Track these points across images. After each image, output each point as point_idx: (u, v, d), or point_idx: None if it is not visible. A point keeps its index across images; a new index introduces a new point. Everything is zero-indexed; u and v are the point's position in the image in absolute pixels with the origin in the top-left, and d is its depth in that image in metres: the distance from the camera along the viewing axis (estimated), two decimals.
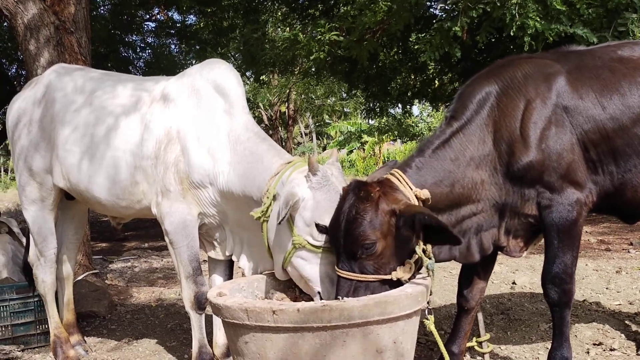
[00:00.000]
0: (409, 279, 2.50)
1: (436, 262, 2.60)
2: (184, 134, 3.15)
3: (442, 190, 2.69)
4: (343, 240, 2.48)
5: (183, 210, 3.16)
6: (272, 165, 2.89)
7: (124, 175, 3.29)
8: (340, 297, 2.45)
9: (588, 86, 2.78)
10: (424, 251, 2.50)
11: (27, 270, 4.05)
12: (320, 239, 2.62)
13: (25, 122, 3.71)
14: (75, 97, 3.56)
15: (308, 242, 2.63)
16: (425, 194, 2.59)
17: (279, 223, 2.61)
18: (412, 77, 11.31)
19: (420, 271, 2.62)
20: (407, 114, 15.10)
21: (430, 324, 2.51)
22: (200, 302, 3.19)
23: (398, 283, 2.49)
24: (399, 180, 2.63)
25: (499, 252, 3.00)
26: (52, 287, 3.85)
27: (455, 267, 4.80)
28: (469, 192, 2.75)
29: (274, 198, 2.74)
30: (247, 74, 13.21)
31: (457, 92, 3.00)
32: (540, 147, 2.71)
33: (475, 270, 3.14)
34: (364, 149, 28.75)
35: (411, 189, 2.59)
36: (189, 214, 3.17)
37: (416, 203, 2.57)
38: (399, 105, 12.94)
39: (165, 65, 12.85)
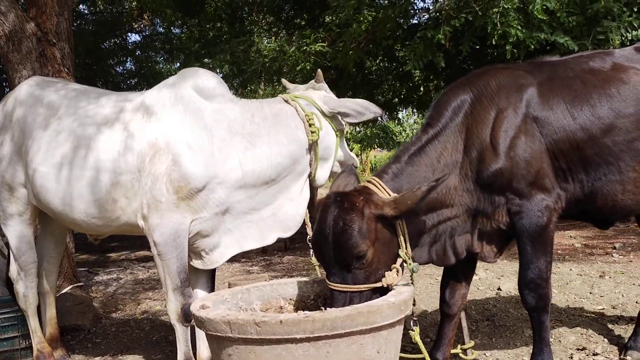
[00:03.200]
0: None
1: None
2: (174, 143, 3.12)
3: None
4: (333, 253, 2.49)
5: (175, 220, 3.12)
6: (289, 112, 3.29)
7: (99, 194, 3.21)
8: None
9: (559, 97, 2.85)
10: (406, 254, 2.56)
11: (10, 284, 4.00)
12: (344, 123, 3.45)
13: None
14: (44, 113, 3.46)
15: (342, 130, 3.44)
16: (393, 198, 2.61)
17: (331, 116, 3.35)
18: (398, 84, 11.40)
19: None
20: (397, 121, 15.20)
21: (416, 335, 2.53)
22: (187, 315, 3.16)
23: (386, 290, 2.52)
24: (377, 187, 2.66)
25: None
26: (33, 301, 3.80)
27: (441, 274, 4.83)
28: (442, 197, 2.80)
29: (313, 118, 3.25)
30: (234, 84, 13.22)
31: (434, 100, 3.07)
32: (509, 155, 2.76)
33: (456, 276, 3.18)
34: None
35: (389, 195, 2.62)
36: (181, 223, 3.13)
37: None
38: (386, 112, 13.02)
39: (149, 75, 12.81)
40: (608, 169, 2.82)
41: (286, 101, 3.35)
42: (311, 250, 2.83)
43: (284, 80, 3.72)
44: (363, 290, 2.50)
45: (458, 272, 3.16)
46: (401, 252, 2.57)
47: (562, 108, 2.83)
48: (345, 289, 2.49)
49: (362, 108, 3.34)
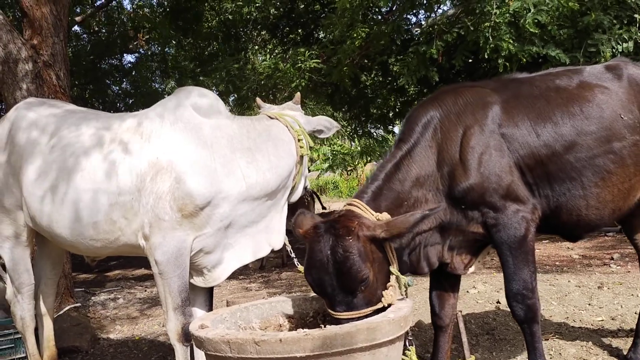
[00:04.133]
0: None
1: None
2: (177, 161, 3.12)
3: (394, 212, 2.74)
4: (337, 282, 2.48)
5: (179, 238, 3.11)
6: (281, 128, 3.39)
7: (97, 216, 3.19)
8: None
9: (523, 114, 2.93)
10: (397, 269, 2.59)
11: (7, 306, 3.97)
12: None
13: None
14: (39, 136, 3.45)
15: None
16: (385, 216, 2.65)
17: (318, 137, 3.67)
18: (393, 98, 11.47)
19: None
20: (392, 134, 15.27)
21: (412, 355, 2.53)
22: (188, 334, 3.13)
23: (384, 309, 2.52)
24: (360, 209, 2.68)
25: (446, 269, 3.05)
26: (30, 323, 3.77)
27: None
28: (415, 211, 2.80)
29: (301, 134, 3.40)
30: (230, 102, 13.29)
31: (405, 116, 3.13)
32: (479, 170, 2.82)
33: (444, 288, 3.22)
34: (347, 172, 28.81)
35: (372, 215, 2.65)
36: (184, 241, 3.12)
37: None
38: (381, 126, 13.10)
39: (145, 94, 12.86)
40: (572, 185, 2.89)
41: (272, 118, 3.45)
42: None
43: (258, 100, 3.81)
44: (369, 314, 2.49)
45: (445, 283, 3.20)
46: (392, 269, 2.59)
47: (526, 125, 2.90)
48: (354, 316, 2.48)
49: (329, 123, 3.67)
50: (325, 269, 2.48)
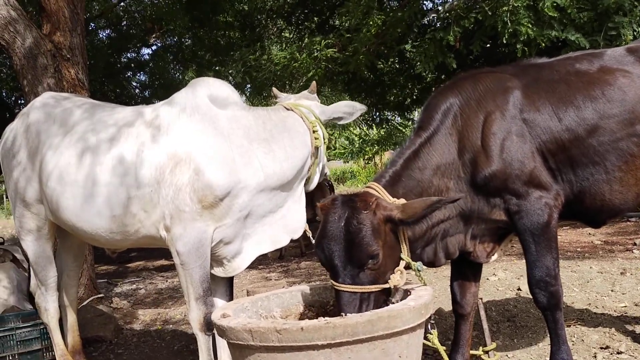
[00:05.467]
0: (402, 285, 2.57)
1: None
2: (196, 152, 3.14)
3: (412, 199, 2.73)
4: (345, 252, 2.49)
5: (199, 228, 3.14)
6: (296, 119, 3.37)
7: (117, 209, 3.22)
8: (344, 313, 2.46)
9: (545, 99, 2.88)
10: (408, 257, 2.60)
11: (32, 297, 4.06)
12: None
13: (14, 153, 3.66)
14: (57, 130, 3.49)
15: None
16: (402, 203, 2.64)
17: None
18: (410, 85, 11.38)
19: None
20: (411, 121, 15.19)
21: (434, 338, 2.53)
22: (210, 324, 3.17)
23: (389, 291, 2.55)
24: (378, 192, 2.68)
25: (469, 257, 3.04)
26: (55, 315, 3.84)
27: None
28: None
29: (316, 125, 3.38)
30: (247, 92, 13.30)
31: (424, 104, 3.10)
32: (501, 157, 2.79)
33: (465, 276, 3.20)
34: (364, 160, 28.76)
35: (389, 199, 2.65)
36: (204, 232, 3.15)
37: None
38: (398, 113, 13.02)
39: (163, 86, 12.94)
40: (595, 169, 2.86)
41: (287, 109, 3.44)
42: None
43: (274, 90, 3.80)
44: (372, 291, 2.50)
45: (466, 271, 3.18)
46: (403, 256, 2.61)
47: (548, 110, 2.87)
48: (355, 290, 2.49)
49: (350, 108, 3.57)
50: (337, 238, 2.50)
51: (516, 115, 2.86)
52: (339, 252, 2.50)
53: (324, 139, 3.45)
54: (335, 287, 2.54)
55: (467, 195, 2.85)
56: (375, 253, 2.48)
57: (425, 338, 2.53)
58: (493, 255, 3.04)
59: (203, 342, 3.23)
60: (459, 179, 2.86)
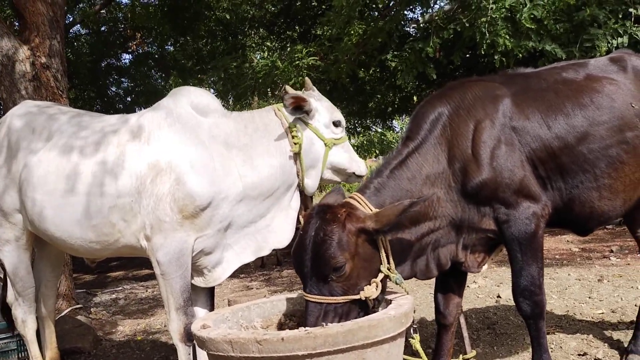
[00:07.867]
0: (377, 297, 2.54)
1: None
2: (177, 162, 3.12)
3: None
4: (311, 263, 2.49)
5: (180, 238, 3.12)
6: (273, 120, 3.33)
7: (96, 219, 3.20)
8: (308, 325, 2.44)
9: (534, 107, 2.90)
10: (388, 269, 2.57)
11: (5, 310, 3.98)
12: (338, 131, 3.39)
13: None
14: (36, 140, 3.45)
15: (334, 139, 3.35)
16: (375, 212, 2.62)
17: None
18: (391, 94, 11.48)
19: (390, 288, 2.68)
20: (390, 130, 15.31)
21: (416, 343, 2.54)
22: (190, 334, 3.14)
23: (365, 303, 2.53)
24: (359, 202, 2.67)
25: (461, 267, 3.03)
26: (32, 326, 3.77)
27: None
28: (426, 209, 2.79)
29: (295, 129, 3.29)
30: (229, 99, 13.27)
31: (412, 113, 3.08)
32: (491, 166, 2.79)
33: (450, 287, 3.19)
34: None
35: (371, 210, 2.63)
36: (185, 242, 3.13)
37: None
38: (380, 121, 13.12)
39: (144, 93, 12.87)
40: (585, 177, 2.87)
41: (275, 111, 3.41)
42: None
43: (287, 87, 3.70)
44: (339, 302, 2.49)
45: (450, 282, 3.18)
46: (383, 268, 2.57)
47: (537, 118, 2.87)
48: (321, 301, 2.48)
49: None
50: (305, 248, 2.51)
51: (506, 123, 2.86)
52: (306, 263, 2.51)
53: (324, 141, 3.35)
54: (303, 296, 2.56)
55: (457, 204, 2.84)
56: (339, 265, 2.46)
57: (407, 343, 2.54)
58: (484, 265, 3.03)
59: (183, 353, 3.20)
60: (450, 188, 2.85)
